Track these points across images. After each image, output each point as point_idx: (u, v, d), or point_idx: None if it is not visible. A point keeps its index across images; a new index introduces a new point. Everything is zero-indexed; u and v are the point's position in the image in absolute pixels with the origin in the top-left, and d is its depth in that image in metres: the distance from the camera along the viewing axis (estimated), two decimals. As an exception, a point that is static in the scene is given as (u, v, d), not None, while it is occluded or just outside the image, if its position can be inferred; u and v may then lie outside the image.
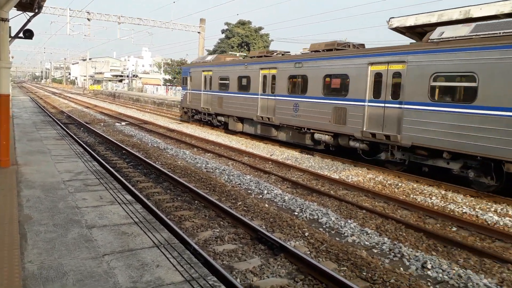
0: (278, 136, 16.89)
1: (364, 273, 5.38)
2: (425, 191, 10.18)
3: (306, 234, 6.75)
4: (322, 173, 11.98)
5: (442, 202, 9.33)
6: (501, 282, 5.46)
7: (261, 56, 18.18)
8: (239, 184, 10.29)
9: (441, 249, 6.60)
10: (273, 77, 16.63)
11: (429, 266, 5.80)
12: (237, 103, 19.12)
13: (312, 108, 14.45)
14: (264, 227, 7.07)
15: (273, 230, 6.98)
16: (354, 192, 10.03)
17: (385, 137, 11.66)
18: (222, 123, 21.39)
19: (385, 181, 11.19)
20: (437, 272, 5.66)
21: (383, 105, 11.86)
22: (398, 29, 16.71)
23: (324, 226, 7.48)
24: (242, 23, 58.23)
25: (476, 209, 8.79)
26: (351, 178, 11.53)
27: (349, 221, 7.73)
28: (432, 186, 10.80)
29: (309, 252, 6.08)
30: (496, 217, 8.24)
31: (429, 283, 5.38)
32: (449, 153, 10.25)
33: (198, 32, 47.19)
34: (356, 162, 13.49)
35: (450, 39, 10.25)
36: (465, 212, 8.60)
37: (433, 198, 9.61)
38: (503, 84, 9.00)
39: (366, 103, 12.32)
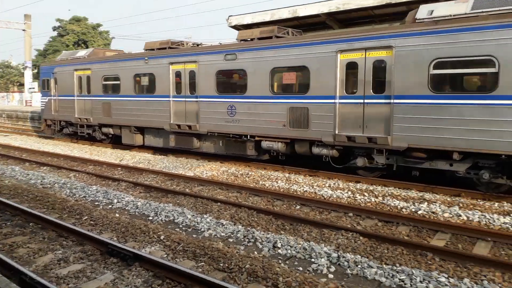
0: (202, 148, 13.59)
1: (221, 264, 5.47)
2: (272, 176, 10.97)
3: (162, 237, 6.55)
4: (176, 172, 11.83)
5: (286, 184, 10.17)
6: (338, 247, 6.22)
7: (166, 48, 14.33)
8: (84, 196, 9.41)
9: (288, 227, 7.18)
10: (192, 73, 13.18)
11: (279, 245, 6.24)
12: (135, 110, 15.11)
13: (256, 110, 11.67)
14: (115, 238, 6.60)
15: (126, 240, 6.57)
16: (209, 186, 10.17)
17: (368, 140, 9.67)
18: (110, 136, 17.26)
19: (237, 172, 11.66)
20: (286, 249, 6.12)
21: (362, 101, 9.83)
22: (237, 27, 17.57)
23: (180, 226, 7.39)
24: (77, 20, 53.63)
25: (314, 186, 9.86)
26: (206, 173, 11.68)
27: (205, 216, 7.79)
28: (278, 171, 11.72)
29: (165, 255, 5.91)
30: (330, 191, 9.37)
31: (280, 261, 5.79)
32: (459, 154, 8.65)
33: (23, 30, 41.58)
34: (210, 158, 13.67)
35: (453, 17, 8.69)
36: (306, 191, 9.56)
37: (279, 182, 10.42)
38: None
39: (337, 100, 10.12)
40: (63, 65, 18.65)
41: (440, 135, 8.68)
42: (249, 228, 7.06)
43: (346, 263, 5.58)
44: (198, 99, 12.99)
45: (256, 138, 11.83)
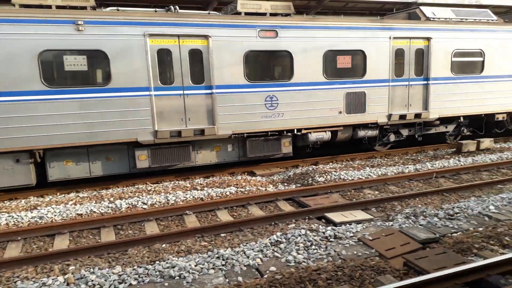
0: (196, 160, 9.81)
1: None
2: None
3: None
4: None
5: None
6: None
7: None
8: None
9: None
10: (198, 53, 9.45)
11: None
12: None
13: (308, 99, 10.22)
14: None
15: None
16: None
17: (414, 116, 11.36)
18: None
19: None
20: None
21: (407, 83, 11.28)
22: None
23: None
24: None
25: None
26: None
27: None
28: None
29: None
30: None
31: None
32: (464, 118, 12.26)
33: None
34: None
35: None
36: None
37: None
38: None
39: (389, 83, 11.01)
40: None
41: (455, 105, 11.95)
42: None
43: None
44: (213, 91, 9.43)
45: (303, 131, 10.39)
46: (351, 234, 5.90)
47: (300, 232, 5.85)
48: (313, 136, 10.52)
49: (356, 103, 10.72)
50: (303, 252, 5.29)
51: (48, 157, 8.46)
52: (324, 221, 6.76)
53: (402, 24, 10.93)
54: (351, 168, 10.08)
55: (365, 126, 11.01)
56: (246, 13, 9.56)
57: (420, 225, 6.17)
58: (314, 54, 10.09)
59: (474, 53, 12.03)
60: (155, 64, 8.75)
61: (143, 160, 9.02)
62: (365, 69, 10.64)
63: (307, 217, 6.86)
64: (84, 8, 8.55)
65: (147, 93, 8.78)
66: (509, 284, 4.38)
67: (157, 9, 9.20)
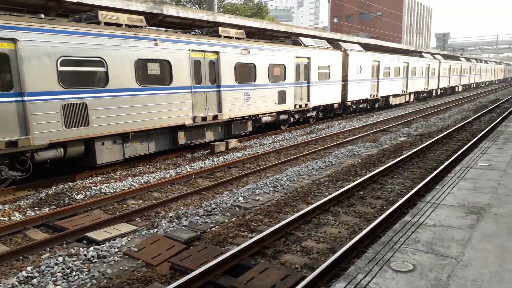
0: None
1: None
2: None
3: None
4: None
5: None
6: None
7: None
8: None
9: None
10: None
11: None
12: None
13: (263, 94, 14.91)
14: None
15: None
16: None
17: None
18: None
19: None
20: None
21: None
22: None
23: None
24: None
25: None
26: None
27: None
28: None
29: None
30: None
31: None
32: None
33: None
34: None
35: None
36: None
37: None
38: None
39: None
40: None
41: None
42: None
43: None
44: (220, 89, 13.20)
45: (258, 116, 14.95)
46: (116, 250, 5.64)
47: (57, 260, 5.19)
48: (264, 118, 15.35)
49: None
50: (62, 282, 4.70)
51: (125, 139, 10.65)
52: (85, 242, 6.22)
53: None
54: (112, 180, 9.68)
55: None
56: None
57: (183, 226, 6.47)
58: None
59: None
60: (193, 70, 12.12)
61: (182, 138, 12.20)
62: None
63: (64, 242, 6.14)
64: (140, 27, 11.12)
65: (189, 90, 12.11)
66: (257, 263, 5.10)
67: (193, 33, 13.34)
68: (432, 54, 38.32)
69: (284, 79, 16.17)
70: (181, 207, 7.56)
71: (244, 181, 9.36)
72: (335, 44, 21.14)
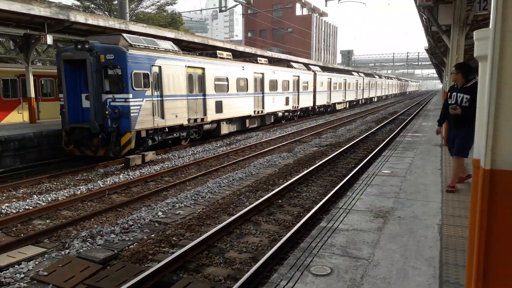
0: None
1: None
2: None
3: None
4: None
5: None
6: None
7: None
8: None
9: None
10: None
11: None
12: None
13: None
14: None
15: None
16: None
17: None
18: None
19: None
20: None
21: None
22: None
23: None
24: None
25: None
26: None
27: None
28: None
29: None
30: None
31: None
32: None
33: None
34: None
35: None
36: None
37: None
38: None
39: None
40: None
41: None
42: None
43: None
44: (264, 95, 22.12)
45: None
46: (22, 275, 5.14)
47: (-52, 293, 4.57)
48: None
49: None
50: (-44, 318, 4.15)
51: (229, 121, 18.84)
52: (-17, 269, 5.55)
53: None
54: (14, 199, 8.79)
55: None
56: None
57: (98, 245, 6.11)
58: None
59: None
60: (253, 83, 21.01)
61: (251, 124, 21.00)
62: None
63: (-43, 271, 5.43)
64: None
65: (252, 95, 20.65)
66: (180, 279, 5.00)
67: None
68: (357, 72, 49.36)
69: (288, 89, 25.45)
70: (95, 225, 7.13)
71: (163, 195, 9.13)
72: (306, 66, 31.69)
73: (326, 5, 26.73)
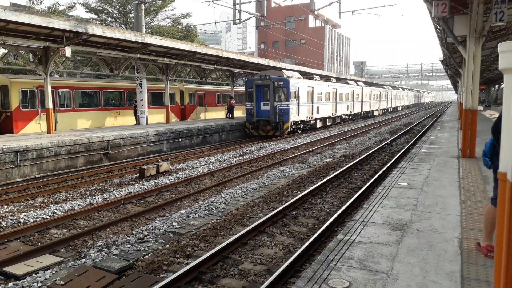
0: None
1: None
2: None
3: None
4: None
5: None
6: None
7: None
8: None
9: None
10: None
11: None
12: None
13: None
14: None
15: None
16: None
17: None
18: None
19: None
20: None
21: None
22: None
23: None
24: None
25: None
26: None
27: None
28: None
29: None
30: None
31: None
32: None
33: None
34: None
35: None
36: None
37: None
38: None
39: None
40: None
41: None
42: None
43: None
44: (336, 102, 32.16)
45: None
46: (40, 284, 5.18)
47: (-32, 301, 4.63)
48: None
49: None
50: (-25, 326, 4.19)
51: (317, 120, 28.29)
52: (3, 277, 5.62)
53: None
54: (32, 209, 8.92)
55: None
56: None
57: (114, 255, 6.14)
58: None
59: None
60: (332, 96, 31.03)
61: (329, 122, 31.62)
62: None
63: (-24, 280, 5.51)
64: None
65: (331, 103, 31.05)
66: (195, 290, 4.98)
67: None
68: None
69: (348, 99, 34.80)
70: (111, 235, 7.17)
71: (177, 206, 9.15)
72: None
73: (339, 17, 26.68)
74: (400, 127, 29.96)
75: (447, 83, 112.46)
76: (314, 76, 30.28)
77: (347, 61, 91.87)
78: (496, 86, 54.00)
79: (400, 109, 66.83)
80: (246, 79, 26.71)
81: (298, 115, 24.14)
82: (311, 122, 26.90)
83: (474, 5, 10.59)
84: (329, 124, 31.16)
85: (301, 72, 30.42)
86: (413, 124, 32.85)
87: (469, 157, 11.10)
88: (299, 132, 25.53)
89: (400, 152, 15.83)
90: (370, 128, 29.77)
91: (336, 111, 31.77)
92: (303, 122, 25.43)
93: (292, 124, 23.50)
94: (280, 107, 22.36)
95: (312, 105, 26.50)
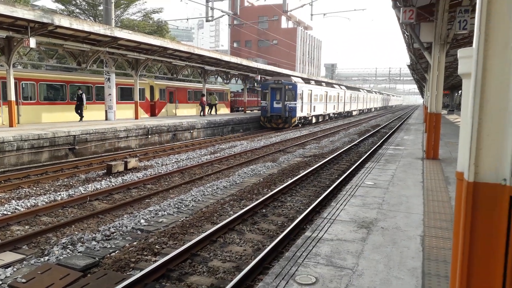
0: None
1: None
2: None
3: None
4: None
5: None
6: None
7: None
8: None
9: None
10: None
11: None
12: None
13: None
14: None
15: None
16: None
17: None
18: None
19: None
20: None
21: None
22: None
23: None
24: None
25: None
26: None
27: None
28: None
29: None
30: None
31: None
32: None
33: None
34: None
35: None
36: None
37: None
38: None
39: None
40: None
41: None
42: None
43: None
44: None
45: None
46: (0, 282, 5.00)
47: None
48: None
49: None
50: None
51: (313, 117, 34.55)
52: (-42, 276, 5.38)
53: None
54: (-9, 204, 8.56)
55: None
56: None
57: (79, 252, 6.00)
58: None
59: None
60: (324, 97, 38.56)
61: (321, 118, 38.41)
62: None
63: None
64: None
65: (323, 102, 37.82)
66: (163, 287, 4.95)
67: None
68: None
69: (334, 100, 39.53)
70: (76, 232, 7.00)
71: (145, 203, 9.03)
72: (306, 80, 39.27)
73: (311, 19, 27.15)
74: (368, 129, 30.71)
75: (414, 87, 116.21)
76: (310, 80, 36.83)
77: (318, 63, 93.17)
78: (460, 91, 56.43)
79: (372, 110, 72.16)
80: (262, 82, 33.32)
81: (302, 112, 29.95)
82: (309, 118, 32.93)
83: (440, 14, 11.01)
84: (321, 120, 37.39)
85: (302, 78, 36.06)
86: (380, 126, 33.76)
87: (433, 159, 11.55)
88: (300, 126, 30.98)
89: (368, 153, 16.24)
90: (339, 129, 30.38)
91: (326, 110, 38.53)
92: (304, 118, 31.48)
93: (298, 119, 29.42)
94: (289, 105, 28.21)
95: (311, 105, 32.47)
